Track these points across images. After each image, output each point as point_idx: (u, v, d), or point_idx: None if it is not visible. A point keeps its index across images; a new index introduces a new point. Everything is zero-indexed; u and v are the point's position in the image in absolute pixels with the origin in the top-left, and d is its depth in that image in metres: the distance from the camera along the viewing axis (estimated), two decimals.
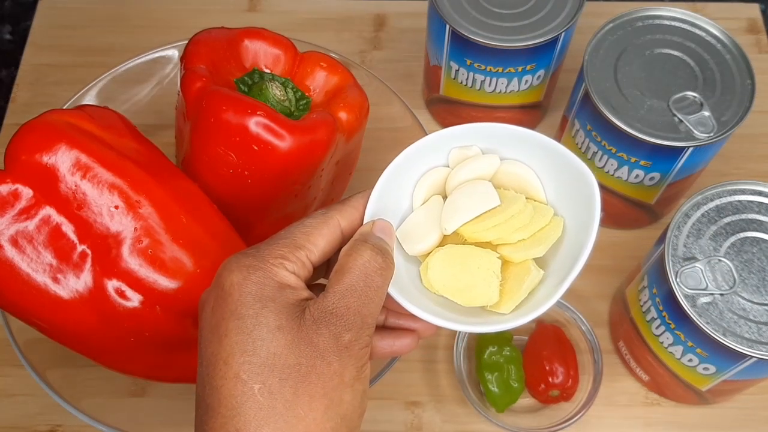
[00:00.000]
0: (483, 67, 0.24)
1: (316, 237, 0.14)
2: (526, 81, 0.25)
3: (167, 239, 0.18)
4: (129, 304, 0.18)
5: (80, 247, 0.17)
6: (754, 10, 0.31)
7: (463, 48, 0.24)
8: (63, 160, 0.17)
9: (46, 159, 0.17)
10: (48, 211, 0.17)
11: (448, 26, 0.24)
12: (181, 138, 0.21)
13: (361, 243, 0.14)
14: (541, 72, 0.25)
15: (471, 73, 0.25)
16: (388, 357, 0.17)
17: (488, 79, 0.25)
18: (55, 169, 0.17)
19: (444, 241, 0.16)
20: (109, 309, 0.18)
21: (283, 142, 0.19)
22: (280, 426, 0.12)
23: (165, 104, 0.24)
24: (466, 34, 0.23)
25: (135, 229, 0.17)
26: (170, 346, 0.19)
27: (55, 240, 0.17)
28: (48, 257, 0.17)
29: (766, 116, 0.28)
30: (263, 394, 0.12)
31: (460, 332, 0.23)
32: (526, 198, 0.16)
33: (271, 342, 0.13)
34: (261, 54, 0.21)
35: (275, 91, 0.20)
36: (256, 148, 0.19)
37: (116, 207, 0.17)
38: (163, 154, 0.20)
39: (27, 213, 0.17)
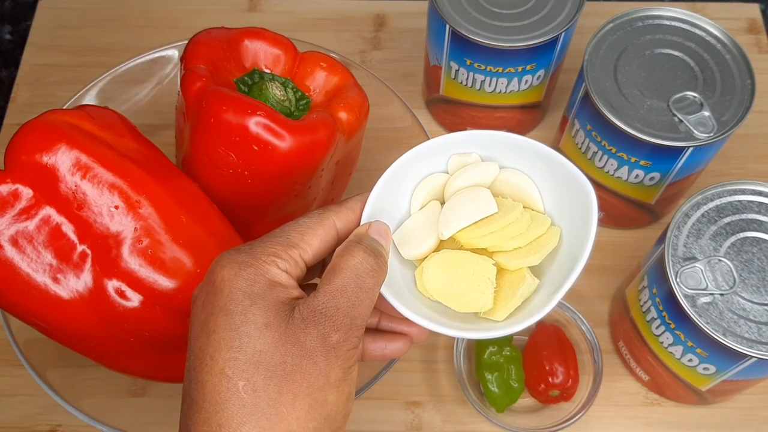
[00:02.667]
0: (483, 67, 0.24)
1: (311, 237, 0.14)
2: (526, 81, 0.25)
3: (167, 239, 0.18)
4: (129, 304, 0.18)
5: (80, 247, 0.17)
6: (754, 10, 0.31)
7: (463, 48, 0.24)
8: (63, 160, 0.17)
9: (46, 159, 0.17)
10: (48, 211, 0.17)
11: (448, 26, 0.24)
12: (181, 138, 0.21)
13: (355, 244, 0.14)
14: (541, 72, 0.25)
15: (471, 73, 0.25)
16: (380, 360, 0.17)
17: (488, 79, 0.25)
18: (55, 169, 0.17)
19: (440, 246, 0.16)
20: (109, 309, 0.18)
21: (283, 142, 0.19)
22: (262, 423, 0.12)
23: (165, 104, 0.24)
24: (466, 34, 0.23)
25: (135, 229, 0.17)
26: (170, 345, 0.19)
27: (55, 240, 0.17)
28: (48, 257, 0.17)
29: (766, 116, 0.28)
30: (247, 390, 0.12)
31: None
32: (524, 207, 0.16)
33: (258, 339, 0.13)
34: (261, 54, 0.21)
35: (275, 91, 0.20)
36: (256, 148, 0.19)
37: (116, 207, 0.17)
38: (163, 154, 0.20)
39: (27, 213, 0.17)
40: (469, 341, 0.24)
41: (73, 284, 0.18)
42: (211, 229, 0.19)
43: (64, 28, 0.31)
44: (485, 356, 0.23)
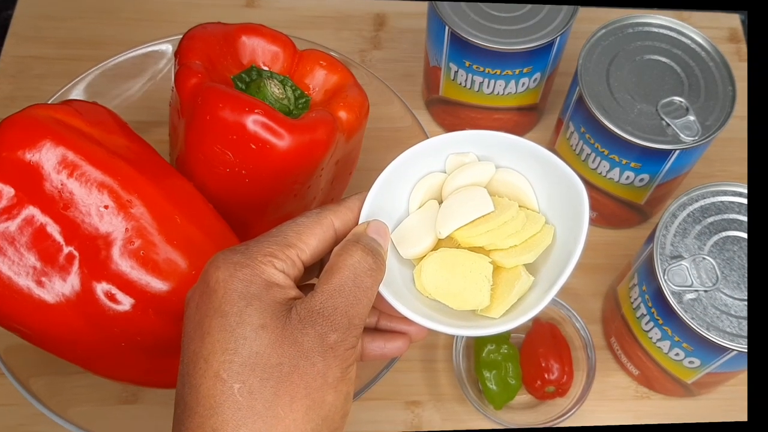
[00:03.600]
0: (481, 68, 0.25)
1: (308, 236, 0.14)
2: (523, 83, 0.26)
3: (160, 240, 0.17)
4: (120, 307, 0.17)
5: (67, 249, 0.17)
6: (735, 21, 0.33)
7: (462, 50, 0.24)
8: (48, 157, 0.16)
9: (29, 156, 0.16)
10: (31, 210, 0.17)
11: (447, 28, 0.24)
12: (176, 135, 0.21)
13: (353, 243, 0.14)
14: (538, 75, 0.26)
15: (470, 75, 0.25)
16: (379, 359, 0.17)
17: (486, 80, 0.25)
18: (39, 166, 0.16)
19: (438, 245, 0.16)
20: (98, 313, 0.17)
21: (282, 141, 0.19)
22: (258, 426, 0.12)
23: (158, 100, 0.23)
24: (465, 36, 0.24)
25: (126, 229, 0.17)
26: (164, 350, 0.18)
27: (40, 241, 0.17)
28: (31, 260, 0.17)
29: (745, 121, 0.30)
30: (242, 393, 0.12)
31: None
32: (519, 206, 0.16)
33: (253, 341, 0.12)
34: (259, 51, 0.21)
35: (274, 89, 0.20)
36: (253, 146, 0.19)
37: (106, 207, 0.17)
38: (156, 152, 0.20)
39: (8, 213, 0.16)
40: (468, 340, 0.24)
41: (59, 287, 0.17)
42: (207, 229, 0.19)
43: (48, 19, 0.29)
44: (484, 354, 0.23)
